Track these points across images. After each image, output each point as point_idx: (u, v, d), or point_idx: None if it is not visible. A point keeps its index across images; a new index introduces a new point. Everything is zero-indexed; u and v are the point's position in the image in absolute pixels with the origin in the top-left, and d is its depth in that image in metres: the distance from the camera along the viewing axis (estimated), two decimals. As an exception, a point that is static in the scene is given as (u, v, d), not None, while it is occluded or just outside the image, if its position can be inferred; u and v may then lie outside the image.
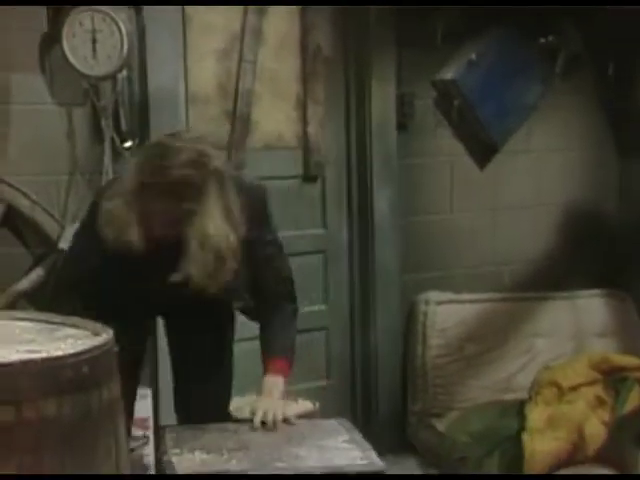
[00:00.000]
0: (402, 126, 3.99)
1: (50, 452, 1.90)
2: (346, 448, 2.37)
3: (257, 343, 2.74)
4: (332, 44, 3.93)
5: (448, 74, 4.00)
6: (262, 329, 2.72)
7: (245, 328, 3.01)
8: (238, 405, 2.90)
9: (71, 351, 1.98)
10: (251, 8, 3.68)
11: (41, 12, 3.27)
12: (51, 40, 3.27)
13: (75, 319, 2.23)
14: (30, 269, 3.22)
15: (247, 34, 3.70)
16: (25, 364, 1.90)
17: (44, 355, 1.95)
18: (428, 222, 4.11)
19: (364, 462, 2.27)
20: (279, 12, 3.78)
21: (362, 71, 3.94)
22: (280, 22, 3.80)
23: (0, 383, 1.87)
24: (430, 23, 3.93)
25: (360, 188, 4.01)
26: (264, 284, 2.69)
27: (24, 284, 3.16)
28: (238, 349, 2.92)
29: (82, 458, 1.96)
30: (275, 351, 2.66)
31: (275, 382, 2.63)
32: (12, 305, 3.10)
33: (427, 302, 4.06)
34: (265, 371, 2.66)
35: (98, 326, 2.17)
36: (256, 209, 2.61)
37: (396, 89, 3.96)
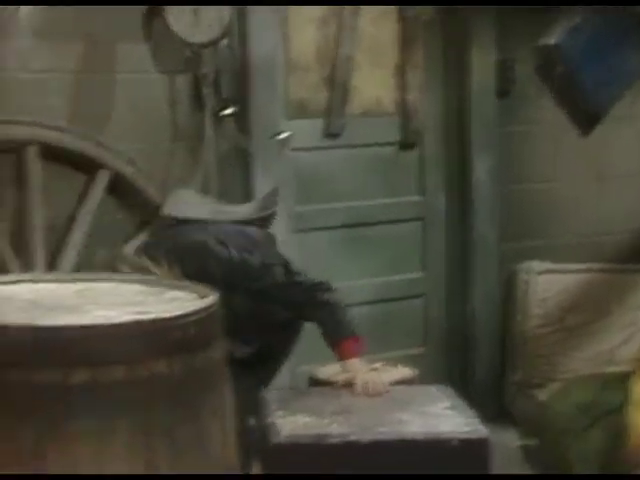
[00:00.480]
0: (503, 93, 3.93)
1: (159, 410, 1.95)
2: (449, 415, 2.36)
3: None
4: (431, 9, 3.88)
5: (551, 39, 3.90)
6: (317, 326, 2.77)
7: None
8: (329, 374, 2.94)
9: (179, 313, 2.02)
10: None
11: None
12: (154, 10, 3.31)
13: (182, 282, 2.27)
14: (134, 235, 3.29)
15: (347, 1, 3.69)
16: (136, 325, 1.95)
17: (154, 316, 1.99)
18: (530, 190, 4.04)
19: (468, 429, 2.26)
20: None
21: (462, 36, 3.89)
22: (379, -13, 3.77)
23: (112, 343, 1.92)
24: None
25: (459, 155, 3.97)
26: (285, 302, 2.75)
27: (128, 250, 3.22)
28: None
29: (189, 417, 2.00)
30: (338, 337, 2.71)
31: (354, 364, 2.67)
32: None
33: (528, 271, 4.00)
34: (340, 358, 2.70)
35: (204, 289, 2.20)
36: (212, 264, 2.67)
37: (497, 55, 3.90)
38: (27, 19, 3.09)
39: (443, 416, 2.34)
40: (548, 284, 3.98)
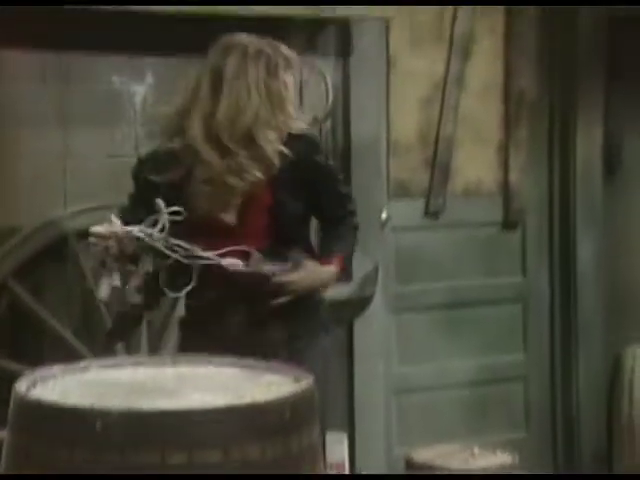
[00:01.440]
0: (610, 172, 3.91)
1: (253, 495, 1.99)
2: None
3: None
4: (537, 86, 3.90)
5: (660, 118, 3.90)
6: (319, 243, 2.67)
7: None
8: (426, 456, 2.92)
9: (274, 397, 2.07)
10: (455, 52, 3.71)
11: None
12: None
13: (278, 365, 2.32)
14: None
15: (450, 79, 3.75)
16: (231, 409, 2.01)
17: (249, 400, 2.06)
18: (637, 274, 3.98)
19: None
20: (483, 56, 3.81)
21: (567, 114, 3.90)
22: (483, 66, 3.83)
23: (208, 427, 1.98)
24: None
25: (562, 236, 3.95)
26: (323, 210, 2.63)
27: None
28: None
29: (283, 501, 2.03)
30: (328, 254, 2.61)
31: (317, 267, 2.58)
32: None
33: (634, 357, 3.94)
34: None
35: (299, 372, 2.26)
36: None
37: (603, 133, 3.90)
38: (140, 105, 3.26)
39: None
40: (656, 369, 3.91)
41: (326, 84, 3.41)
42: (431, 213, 3.78)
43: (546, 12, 3.82)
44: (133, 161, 3.19)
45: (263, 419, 2.01)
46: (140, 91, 3.24)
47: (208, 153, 2.47)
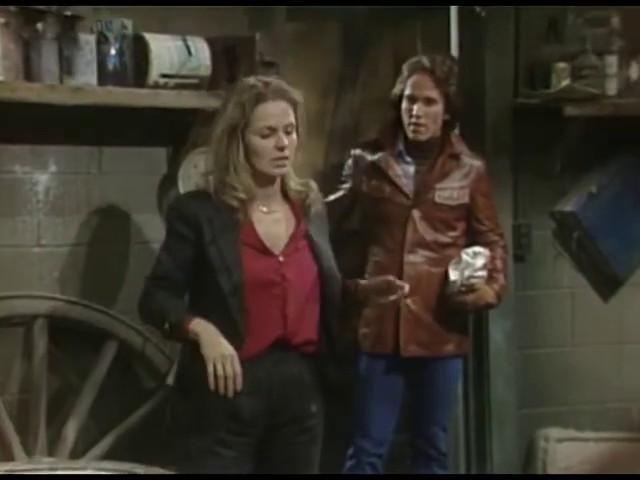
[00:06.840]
0: (519, 257, 4.02)
1: None
2: None
3: None
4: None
5: (567, 206, 4.03)
6: None
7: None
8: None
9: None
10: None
11: (162, 155, 3.53)
12: (170, 182, 3.51)
13: (156, 469, 2.37)
14: (139, 404, 3.39)
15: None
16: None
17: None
18: (547, 355, 4.10)
19: None
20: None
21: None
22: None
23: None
24: (549, 152, 3.97)
25: (475, 319, 4.03)
26: None
27: (133, 420, 3.31)
28: None
29: None
30: None
31: None
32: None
33: (547, 439, 4.02)
34: None
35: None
36: None
37: (513, 220, 4.01)
38: (43, 195, 3.32)
39: None
40: (569, 453, 4.00)
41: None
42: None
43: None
44: (34, 251, 3.26)
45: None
46: (43, 180, 3.30)
47: None
